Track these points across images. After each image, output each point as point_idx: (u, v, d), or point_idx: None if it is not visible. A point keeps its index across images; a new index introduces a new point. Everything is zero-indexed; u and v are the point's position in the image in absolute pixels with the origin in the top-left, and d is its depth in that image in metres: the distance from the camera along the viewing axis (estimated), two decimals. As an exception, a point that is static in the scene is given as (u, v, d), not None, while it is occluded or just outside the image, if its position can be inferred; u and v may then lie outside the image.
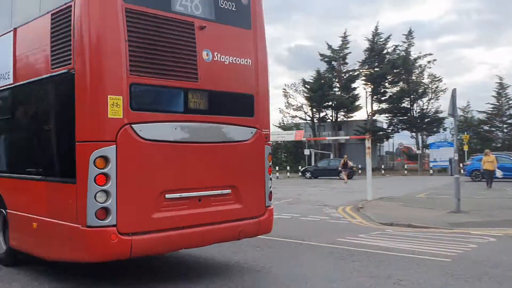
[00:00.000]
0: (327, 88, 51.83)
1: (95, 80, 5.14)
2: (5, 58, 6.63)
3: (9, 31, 6.61)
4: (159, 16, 5.55)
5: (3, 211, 6.58)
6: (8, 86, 6.60)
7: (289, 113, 55.47)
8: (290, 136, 28.17)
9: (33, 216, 5.86)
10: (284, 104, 55.42)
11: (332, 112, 54.08)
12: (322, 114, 54.80)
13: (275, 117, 58.08)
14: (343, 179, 30.44)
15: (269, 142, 6.83)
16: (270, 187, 6.78)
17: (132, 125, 5.20)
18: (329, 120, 54.80)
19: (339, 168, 32.17)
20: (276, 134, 32.93)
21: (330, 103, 52.65)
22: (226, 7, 6.29)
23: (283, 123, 55.59)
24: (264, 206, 6.61)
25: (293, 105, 54.88)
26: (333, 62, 53.39)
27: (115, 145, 5.06)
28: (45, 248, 5.81)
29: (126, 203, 5.12)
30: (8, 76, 6.59)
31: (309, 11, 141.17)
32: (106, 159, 5.02)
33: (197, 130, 5.82)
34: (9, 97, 6.75)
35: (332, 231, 10.12)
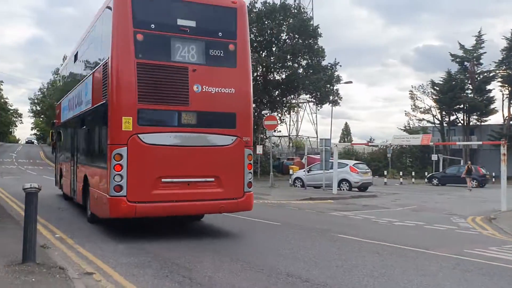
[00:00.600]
0: (458, 90, 48.60)
1: (115, 108, 8.45)
2: (88, 91, 10.69)
3: (89, 75, 10.77)
4: (161, 65, 8.64)
5: (89, 188, 10.26)
6: (88, 108, 10.60)
7: (415, 116, 53.08)
8: (416, 140, 26.85)
9: (95, 190, 9.56)
10: (411, 107, 53.05)
11: (463, 115, 50.64)
12: (452, 118, 51.62)
13: (400, 120, 56.01)
14: (470, 187, 29.30)
15: (250, 146, 9.40)
16: (250, 179, 9.39)
17: (138, 135, 8.33)
18: (460, 124, 51.39)
19: (463, 176, 30.98)
20: (401, 138, 31.61)
21: (462, 106, 49.29)
22: (215, 54, 9.11)
23: (409, 126, 53.31)
24: (242, 191, 9.26)
25: (420, 108, 52.34)
26: (465, 63, 49.99)
27: (126, 147, 8.23)
28: (98, 210, 9.34)
29: (133, 183, 8.23)
30: (89, 102, 10.58)
31: (438, 10, 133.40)
32: (120, 155, 8.20)
33: (187, 137, 8.77)
34: (88, 116, 10.72)
35: (460, 241, 9.62)
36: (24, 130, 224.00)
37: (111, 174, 8.17)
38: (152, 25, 8.74)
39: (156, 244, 8.17)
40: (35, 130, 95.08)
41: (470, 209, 16.26)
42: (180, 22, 9.00)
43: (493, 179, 36.99)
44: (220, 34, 9.26)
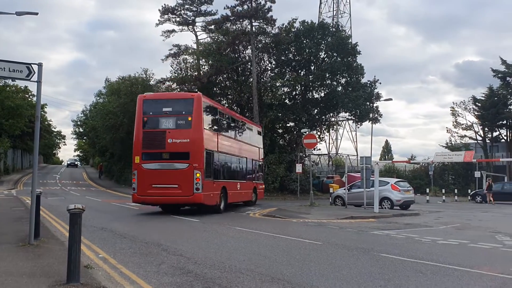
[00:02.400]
0: (501, 106, 47.39)
1: (133, 152, 18.37)
2: None
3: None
4: (154, 131, 17.98)
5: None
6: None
7: (457, 133, 51.97)
8: (459, 157, 26.52)
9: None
10: (452, 123, 52.01)
11: (506, 131, 49.29)
12: (495, 134, 50.28)
13: (441, 137, 55.19)
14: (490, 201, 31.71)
15: (198, 168, 17.16)
16: (197, 185, 17.03)
17: (141, 165, 17.78)
18: (503, 140, 49.96)
19: (484, 191, 33.25)
20: (443, 155, 31.14)
21: (505, 121, 48.03)
22: (180, 123, 17.65)
23: (451, 143, 52.21)
24: (192, 192, 17.12)
25: (462, 124, 51.25)
26: (507, 78, 48.79)
27: (136, 170, 17.87)
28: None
29: (139, 186, 17.68)
30: None
31: (477, 25, 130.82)
32: (134, 174, 17.97)
33: (164, 165, 17.56)
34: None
35: (505, 260, 9.52)
36: (68, 152, 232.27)
37: (133, 182, 18.31)
38: (150, 112, 18.28)
39: (197, 263, 8.42)
40: (78, 151, 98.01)
41: (516, 228, 15.89)
42: (164, 109, 18.11)
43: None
44: (183, 112, 17.87)
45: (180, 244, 10.61)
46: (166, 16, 43.25)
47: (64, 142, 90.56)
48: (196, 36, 44.04)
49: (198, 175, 16.98)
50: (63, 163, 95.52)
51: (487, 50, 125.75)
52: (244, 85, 37.64)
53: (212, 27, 38.66)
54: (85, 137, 73.77)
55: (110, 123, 43.35)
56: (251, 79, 35.98)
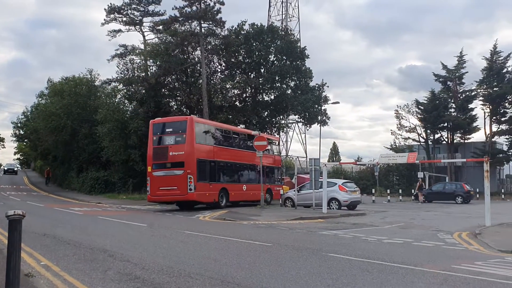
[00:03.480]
0: (442, 109, 49.71)
1: (147, 163, 23.63)
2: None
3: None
4: (160, 147, 22.90)
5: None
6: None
7: (401, 135, 53.94)
8: (403, 158, 27.38)
9: None
10: (396, 126, 53.93)
11: (447, 133, 51.74)
12: (436, 136, 52.61)
13: (386, 139, 57.24)
14: (422, 201, 34.71)
15: (191, 173, 21.65)
16: (190, 186, 21.57)
17: (152, 173, 22.79)
18: (444, 142, 52.39)
19: (415, 191, 36.75)
20: (387, 157, 32.12)
21: (446, 124, 50.36)
22: (178, 139, 22.44)
23: (395, 145, 54.07)
24: (187, 192, 21.73)
25: (406, 127, 53.24)
26: (448, 82, 51.28)
27: (149, 177, 22.97)
28: None
29: (151, 189, 22.74)
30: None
31: (420, 30, 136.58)
32: (148, 180, 23.14)
33: (167, 172, 22.36)
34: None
35: (447, 257, 9.89)
36: (7, 155, 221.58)
37: (147, 186, 23.27)
38: (158, 133, 23.30)
39: (145, 269, 8.23)
40: (18, 154, 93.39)
41: (456, 225, 16.63)
42: (167, 130, 23.22)
43: (477, 195, 37.63)
44: (180, 131, 22.43)
45: (127, 250, 10.31)
46: (112, 16, 42.21)
47: (3, 145, 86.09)
48: (144, 36, 43.26)
49: (191, 179, 21.60)
50: (1, 167, 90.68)
51: (428, 55, 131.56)
52: (194, 87, 37.28)
53: (160, 27, 38.05)
54: (26, 140, 70.25)
55: (53, 125, 41.71)
56: (201, 81, 35.67)
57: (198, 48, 36.73)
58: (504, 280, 7.46)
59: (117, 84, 39.80)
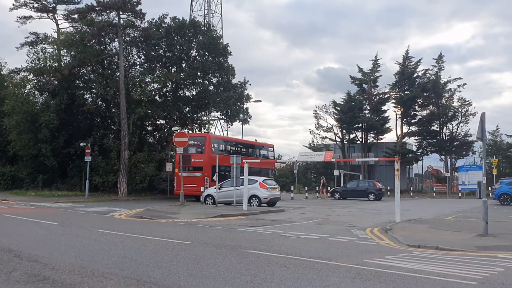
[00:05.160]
0: (357, 110, 52.02)
1: (175, 166, 30.21)
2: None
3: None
4: (185, 154, 26.78)
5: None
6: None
7: (319, 134, 55.75)
8: (320, 157, 28.47)
9: None
10: (315, 125, 55.69)
11: (362, 134, 54.19)
12: (352, 136, 54.93)
13: (304, 138, 58.89)
14: (324, 197, 38.63)
15: (208, 176, 29.54)
16: (206, 185, 28.62)
17: (179, 173, 25.82)
18: (358, 142, 54.83)
19: (319, 188, 40.58)
20: (306, 155, 33.09)
21: (360, 125, 52.75)
22: (198, 150, 30.98)
23: (313, 144, 55.79)
24: (204, 188, 27.36)
25: (324, 126, 55.13)
26: (363, 85, 53.72)
27: (176, 176, 29.56)
28: None
29: (177, 185, 28.32)
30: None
31: (336, 34, 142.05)
32: (175, 178, 30.84)
33: (190, 173, 29.38)
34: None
35: (360, 252, 10.29)
36: None
37: (174, 183, 31.27)
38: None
39: (55, 269, 7.79)
40: None
41: (368, 221, 17.43)
42: (190, 142, 27.53)
43: (388, 193, 39.83)
44: (199, 143, 30.86)
45: (36, 249, 9.65)
46: (22, 1, 39.52)
47: None
48: (57, 24, 40.91)
49: (207, 179, 29.14)
50: None
51: (345, 58, 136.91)
52: (111, 79, 35.74)
53: (76, 16, 35.96)
54: None
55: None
56: (118, 73, 34.30)
57: (116, 40, 35.33)
58: (412, 273, 7.88)
59: (27, 74, 37.22)
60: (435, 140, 51.81)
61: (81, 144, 31.57)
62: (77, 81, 36.77)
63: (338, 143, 55.25)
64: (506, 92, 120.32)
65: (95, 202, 27.24)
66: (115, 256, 9.16)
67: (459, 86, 50.60)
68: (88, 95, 37.73)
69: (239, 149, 34.94)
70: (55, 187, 34.22)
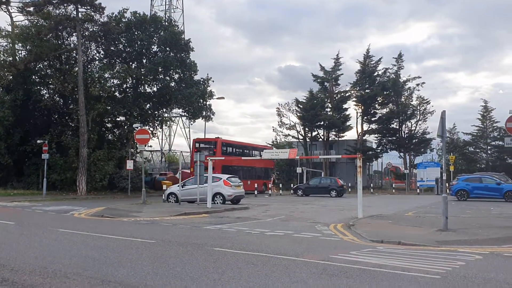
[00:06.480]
0: (319, 108, 52.65)
1: (190, 163, 37.11)
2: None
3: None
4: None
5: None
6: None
7: (282, 132, 56.11)
8: (284, 154, 28.63)
9: None
10: (278, 123, 56.03)
11: (323, 131, 54.88)
12: (314, 133, 55.55)
13: (267, 136, 59.22)
14: (270, 193, 39.53)
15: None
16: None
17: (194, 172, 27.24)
18: (320, 140, 55.50)
19: (270, 185, 41.92)
20: (271, 153, 33.20)
21: (322, 122, 53.45)
22: (210, 153, 33.83)
23: (276, 141, 56.10)
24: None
25: (286, 124, 55.52)
26: (325, 83, 54.35)
27: (192, 175, 29.76)
28: None
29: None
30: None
31: (298, 33, 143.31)
32: (190, 171, 35.47)
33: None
34: None
35: (325, 248, 10.39)
36: None
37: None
38: (197, 146, 36.96)
39: (14, 270, 7.47)
40: None
41: (331, 217, 17.65)
42: (202, 145, 37.00)
43: (349, 189, 40.53)
44: (212, 147, 36.78)
45: (-9, 251, 9.22)
46: (-28, -9, 37.68)
47: None
48: (11, 17, 39.20)
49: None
50: None
51: (306, 56, 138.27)
52: (69, 75, 34.70)
53: (31, 9, 34.71)
54: None
55: None
56: (77, 69, 33.36)
57: (74, 34, 34.36)
58: (377, 268, 8.00)
59: (-21, 68, 35.63)
60: (394, 138, 53.11)
61: (38, 141, 30.57)
62: (34, 76, 35.54)
63: (300, 140, 55.80)
64: (461, 91, 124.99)
65: (53, 200, 26.44)
66: (77, 256, 8.88)
67: (417, 85, 52.15)
68: (45, 91, 36.59)
69: (243, 151, 41.06)
70: (10, 185, 33.05)
